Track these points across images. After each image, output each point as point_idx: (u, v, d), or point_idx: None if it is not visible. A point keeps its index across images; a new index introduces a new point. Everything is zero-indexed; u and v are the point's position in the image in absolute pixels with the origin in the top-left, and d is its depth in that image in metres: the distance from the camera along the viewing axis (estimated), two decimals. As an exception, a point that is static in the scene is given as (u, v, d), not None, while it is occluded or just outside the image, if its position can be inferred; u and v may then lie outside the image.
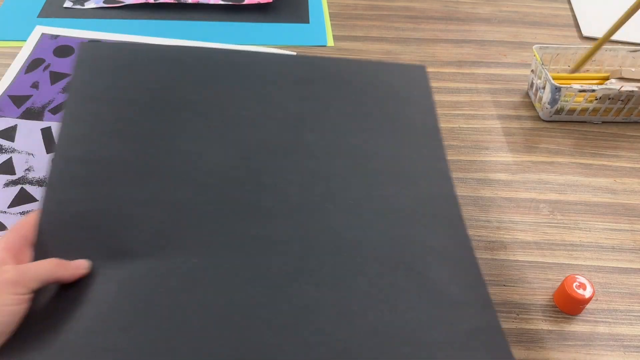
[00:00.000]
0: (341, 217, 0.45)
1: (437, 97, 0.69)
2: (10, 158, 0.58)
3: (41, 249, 0.40)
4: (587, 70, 0.70)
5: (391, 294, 0.42)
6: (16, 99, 0.64)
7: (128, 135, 0.46)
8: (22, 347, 0.36)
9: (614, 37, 0.80)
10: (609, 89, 0.62)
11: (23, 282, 0.37)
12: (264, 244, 0.42)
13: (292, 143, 0.48)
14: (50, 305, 0.38)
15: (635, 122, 0.67)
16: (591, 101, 0.64)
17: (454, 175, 0.58)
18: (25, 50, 0.71)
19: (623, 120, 0.67)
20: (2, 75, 0.67)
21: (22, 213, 0.53)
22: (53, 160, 0.44)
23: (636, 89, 0.62)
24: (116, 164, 0.44)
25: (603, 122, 0.67)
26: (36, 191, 0.55)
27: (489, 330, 0.40)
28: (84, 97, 0.48)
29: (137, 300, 0.38)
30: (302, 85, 0.53)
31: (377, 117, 0.52)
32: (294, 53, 0.73)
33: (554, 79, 0.63)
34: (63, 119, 0.46)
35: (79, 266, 0.39)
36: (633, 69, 0.66)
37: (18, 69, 0.68)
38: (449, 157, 0.50)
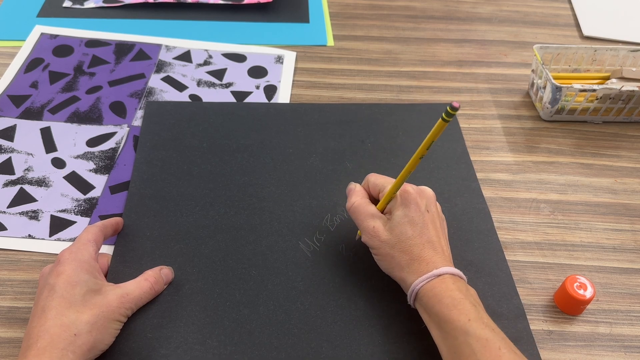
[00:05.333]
0: None
1: (437, 97, 0.69)
2: (10, 158, 0.58)
3: (119, 259, 0.48)
4: (588, 70, 0.70)
5: None
6: (15, 99, 0.64)
7: (192, 175, 0.56)
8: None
9: (615, 37, 0.80)
10: (610, 88, 0.61)
11: (130, 307, 0.43)
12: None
13: (334, 172, 0.57)
14: (133, 322, 0.44)
15: (636, 122, 0.67)
16: (592, 101, 0.63)
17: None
18: (25, 50, 0.71)
19: (624, 120, 0.66)
20: (1, 75, 0.67)
21: (22, 213, 0.53)
22: (128, 196, 0.54)
23: (637, 89, 0.61)
24: (183, 198, 0.54)
25: (604, 122, 0.66)
26: (35, 191, 0.55)
27: (522, 339, 0.45)
28: (153, 145, 0.59)
29: (208, 314, 0.45)
30: (340, 125, 0.62)
31: (410, 148, 0.58)
32: (295, 53, 0.73)
33: (554, 78, 0.63)
34: (136, 163, 0.57)
35: (167, 280, 0.47)
36: (634, 69, 0.65)
37: (17, 69, 0.68)
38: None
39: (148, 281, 0.45)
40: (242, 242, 0.51)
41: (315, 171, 0.57)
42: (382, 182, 0.46)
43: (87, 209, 0.53)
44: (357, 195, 0.46)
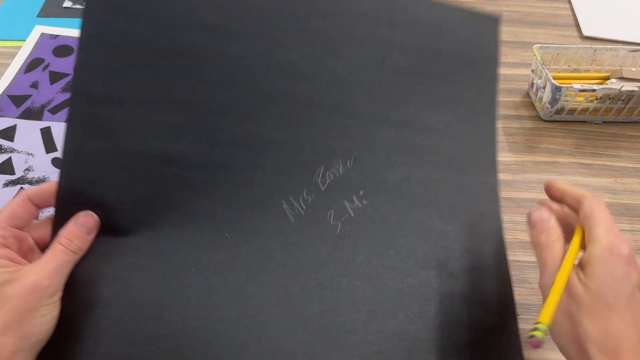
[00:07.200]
0: (376, 194, 0.43)
1: (437, 97, 0.69)
2: (10, 158, 0.58)
3: (61, 222, 0.37)
4: (588, 70, 0.70)
5: (421, 295, 0.41)
6: (15, 99, 0.64)
7: (152, 90, 0.39)
8: (59, 344, 0.35)
9: (615, 37, 0.80)
10: (610, 88, 0.62)
11: (50, 284, 0.35)
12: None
13: (337, 106, 0.43)
14: (81, 295, 0.37)
15: (636, 122, 0.67)
16: (592, 101, 0.63)
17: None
18: (25, 50, 0.71)
19: (623, 120, 0.66)
20: (2, 75, 0.67)
21: (22, 213, 0.53)
22: (71, 102, 0.38)
23: (637, 89, 0.61)
24: (143, 119, 0.39)
25: (603, 122, 0.67)
26: (36, 191, 0.55)
27: (506, 335, 0.41)
28: (104, 47, 0.39)
29: (170, 281, 0.38)
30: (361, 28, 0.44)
31: (436, 80, 0.45)
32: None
33: (554, 78, 0.63)
34: (79, 50, 0.39)
35: (89, 229, 0.37)
36: (633, 69, 0.65)
37: (17, 69, 0.68)
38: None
39: (60, 244, 0.36)
40: (217, 192, 0.40)
41: (313, 103, 0.43)
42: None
43: (88, 209, 0.54)
44: (554, 251, 0.36)
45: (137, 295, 0.37)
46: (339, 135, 0.43)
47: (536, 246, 0.37)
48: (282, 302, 0.39)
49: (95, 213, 0.37)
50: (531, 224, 0.38)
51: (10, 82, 0.66)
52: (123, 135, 0.38)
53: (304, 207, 0.42)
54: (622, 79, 0.65)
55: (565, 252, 0.36)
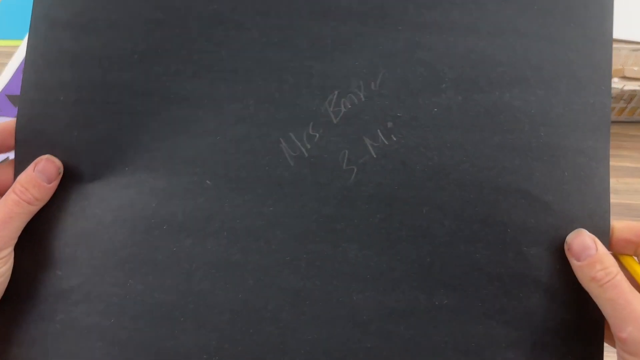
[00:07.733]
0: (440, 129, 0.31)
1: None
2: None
3: (22, 165, 0.32)
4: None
5: (455, 276, 0.31)
6: (14, 99, 0.64)
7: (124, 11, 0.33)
8: (14, 304, 0.32)
9: (616, 37, 0.80)
10: (611, 88, 0.61)
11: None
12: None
13: (360, 9, 0.32)
14: (40, 252, 0.32)
15: (638, 122, 0.66)
16: (593, 100, 0.63)
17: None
18: (23, 50, 0.71)
19: (625, 120, 0.66)
20: (0, 74, 0.67)
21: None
22: (31, 27, 0.33)
23: (639, 88, 0.61)
24: (112, 28, 0.32)
25: (605, 122, 0.66)
26: (33, 191, 0.54)
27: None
28: None
29: (137, 240, 0.32)
30: None
31: None
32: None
33: (555, 78, 0.63)
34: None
35: (49, 177, 0.32)
36: (636, 68, 0.65)
37: (15, 68, 0.68)
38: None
39: (13, 193, 0.31)
40: (198, 128, 0.32)
41: (318, 10, 0.32)
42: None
43: (86, 209, 0.53)
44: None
45: (101, 257, 0.32)
46: (359, 47, 0.31)
47: (590, 284, 0.27)
48: (268, 272, 0.31)
49: (58, 155, 0.32)
50: (575, 254, 0.28)
51: (8, 82, 0.66)
52: (87, 63, 0.32)
53: (309, 147, 0.32)
54: (624, 78, 0.65)
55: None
